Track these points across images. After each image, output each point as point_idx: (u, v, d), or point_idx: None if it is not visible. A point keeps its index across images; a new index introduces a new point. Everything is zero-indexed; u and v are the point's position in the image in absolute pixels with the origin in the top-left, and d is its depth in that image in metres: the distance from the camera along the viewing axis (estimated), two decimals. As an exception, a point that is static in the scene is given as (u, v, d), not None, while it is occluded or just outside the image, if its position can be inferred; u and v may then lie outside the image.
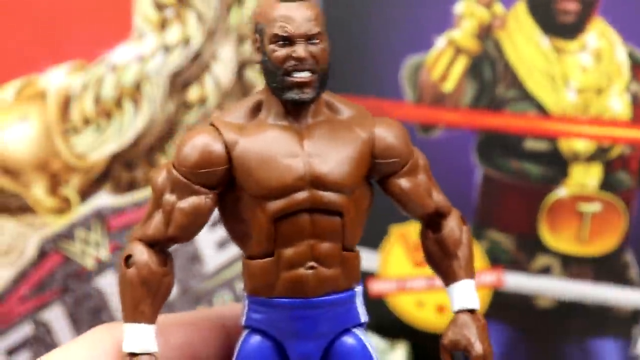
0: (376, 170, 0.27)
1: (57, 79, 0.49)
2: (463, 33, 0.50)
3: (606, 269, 0.52)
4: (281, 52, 0.25)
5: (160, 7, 0.49)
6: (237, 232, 0.27)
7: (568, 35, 0.49)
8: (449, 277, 0.28)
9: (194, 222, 0.26)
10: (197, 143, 0.25)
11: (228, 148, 0.25)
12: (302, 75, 0.25)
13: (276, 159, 0.25)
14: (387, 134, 0.27)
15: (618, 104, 0.49)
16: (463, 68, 0.51)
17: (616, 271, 0.52)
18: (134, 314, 0.25)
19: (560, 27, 0.49)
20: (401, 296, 0.55)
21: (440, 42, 0.50)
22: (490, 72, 0.51)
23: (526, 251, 0.53)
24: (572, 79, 0.49)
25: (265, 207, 0.25)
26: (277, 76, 0.25)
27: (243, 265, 0.27)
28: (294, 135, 0.26)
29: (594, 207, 0.50)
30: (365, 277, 0.55)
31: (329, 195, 0.25)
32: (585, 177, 0.50)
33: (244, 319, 0.26)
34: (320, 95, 0.26)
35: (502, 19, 0.49)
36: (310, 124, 0.26)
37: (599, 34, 0.48)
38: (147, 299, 0.25)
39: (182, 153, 0.25)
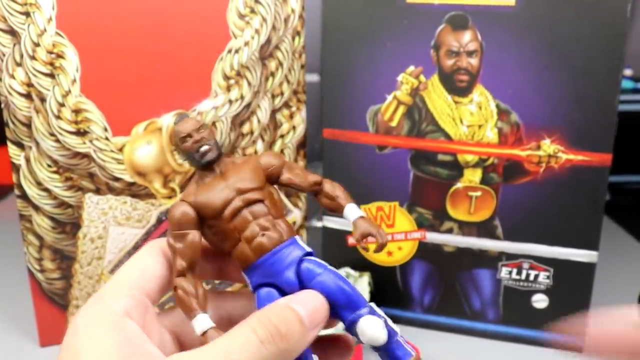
0: (270, 177, 0.29)
1: (168, 119, 0.51)
2: (402, 92, 0.53)
3: (483, 229, 0.54)
4: (188, 143, 0.28)
5: (227, 78, 0.51)
6: (218, 242, 0.28)
7: (462, 94, 0.52)
8: (340, 207, 0.29)
9: (194, 252, 0.27)
10: (178, 211, 0.27)
11: (192, 206, 0.27)
12: (204, 149, 0.28)
13: (215, 193, 0.27)
14: (266, 157, 0.29)
15: (491, 134, 0.52)
16: (402, 113, 0.53)
17: (489, 230, 0.54)
18: (193, 313, 0.26)
19: (458, 89, 0.52)
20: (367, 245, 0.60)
21: (389, 97, 0.53)
22: (417, 116, 0.53)
23: (438, 219, 0.55)
24: (464, 119, 0.52)
25: (223, 218, 0.27)
26: (194, 157, 0.28)
27: (232, 258, 0.28)
28: (219, 179, 0.28)
29: (477, 193, 0.53)
30: (346, 234, 0.57)
31: (250, 195, 0.28)
32: (472, 176, 0.53)
33: (251, 286, 0.28)
34: (221, 154, 0.28)
35: (425, 84, 0.52)
36: (223, 170, 0.28)
37: (480, 94, 0.51)
38: (195, 304, 0.26)
39: (173, 219, 0.27)
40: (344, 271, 0.56)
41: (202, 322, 0.26)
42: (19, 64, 0.48)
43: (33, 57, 0.48)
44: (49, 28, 0.48)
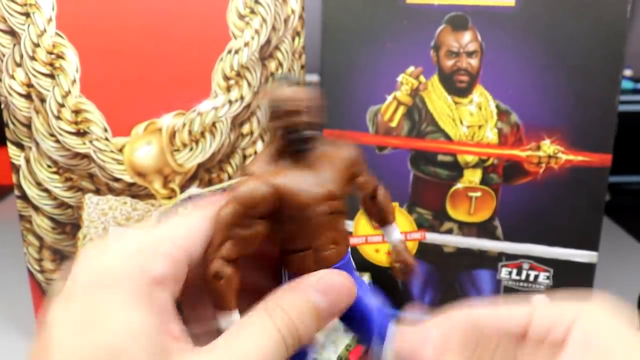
0: (351, 177, 0.26)
1: (167, 120, 0.50)
2: (402, 93, 0.53)
3: (483, 229, 0.54)
4: (293, 119, 0.24)
5: (227, 78, 0.51)
6: (276, 240, 0.25)
7: (462, 94, 0.51)
8: (385, 222, 0.28)
9: (252, 243, 0.24)
10: (257, 191, 0.23)
11: (275, 190, 0.23)
12: (309, 134, 0.24)
13: (305, 186, 0.24)
14: (354, 154, 0.26)
15: (491, 134, 0.52)
16: (402, 113, 0.53)
17: (489, 231, 0.54)
18: (229, 309, 0.23)
19: (457, 90, 0.51)
20: (366, 246, 0.57)
21: (389, 98, 0.53)
22: (417, 116, 0.53)
23: (438, 220, 0.55)
24: (464, 120, 0.52)
25: (304, 217, 0.24)
26: (291, 138, 0.24)
27: (283, 258, 0.25)
28: (306, 168, 0.24)
29: (477, 194, 0.53)
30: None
31: (337, 203, 0.25)
32: (472, 177, 0.53)
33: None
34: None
35: (425, 84, 0.52)
36: (312, 160, 0.25)
37: (480, 94, 0.51)
38: (233, 297, 0.23)
39: (247, 199, 0.23)
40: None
41: (234, 319, 0.24)
42: (18, 65, 0.48)
43: (33, 58, 0.48)
44: (49, 29, 0.48)
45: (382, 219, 0.28)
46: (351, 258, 0.26)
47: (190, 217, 0.24)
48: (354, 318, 0.25)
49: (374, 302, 0.26)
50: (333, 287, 0.24)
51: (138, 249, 0.22)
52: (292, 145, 0.24)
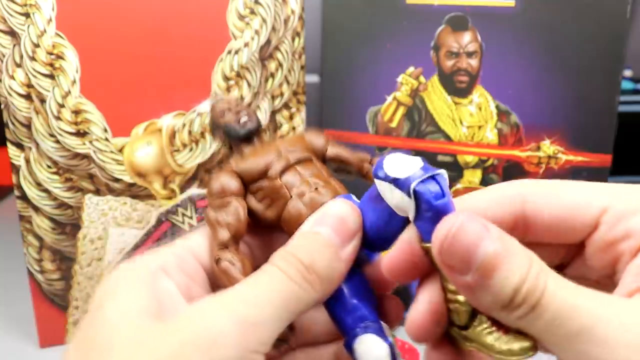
0: (315, 152, 0.27)
1: (168, 120, 0.51)
2: (402, 93, 0.53)
3: None
4: (228, 115, 0.27)
5: (227, 78, 0.51)
6: (264, 209, 0.26)
7: (462, 95, 0.52)
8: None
9: (240, 220, 0.25)
10: (218, 180, 0.26)
11: (235, 173, 0.26)
12: (245, 118, 0.27)
13: (260, 157, 0.26)
14: (310, 134, 0.28)
15: (491, 135, 0.52)
16: (402, 114, 0.53)
17: None
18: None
19: (457, 90, 0.52)
20: None
21: (389, 98, 0.53)
22: (417, 116, 0.53)
23: None
24: (464, 120, 0.52)
25: (270, 176, 0.25)
26: (234, 129, 0.27)
27: (282, 224, 0.26)
28: (262, 148, 0.27)
29: None
30: None
31: (298, 155, 0.26)
32: (472, 177, 0.53)
33: None
34: (261, 127, 0.28)
35: (425, 85, 0.52)
36: (264, 143, 0.27)
37: (480, 95, 0.51)
38: (240, 276, 0.24)
39: (213, 189, 0.26)
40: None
41: None
42: (18, 65, 0.48)
43: (33, 58, 0.48)
44: (49, 29, 0.48)
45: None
46: (354, 198, 0.25)
47: (194, 234, 0.26)
48: (333, 307, 0.24)
49: (356, 303, 0.24)
50: (330, 213, 0.23)
51: (147, 256, 0.24)
52: (237, 133, 0.27)
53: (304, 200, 0.25)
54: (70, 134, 0.50)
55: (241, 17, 0.51)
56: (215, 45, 0.51)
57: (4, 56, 0.48)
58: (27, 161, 0.50)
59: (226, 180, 0.26)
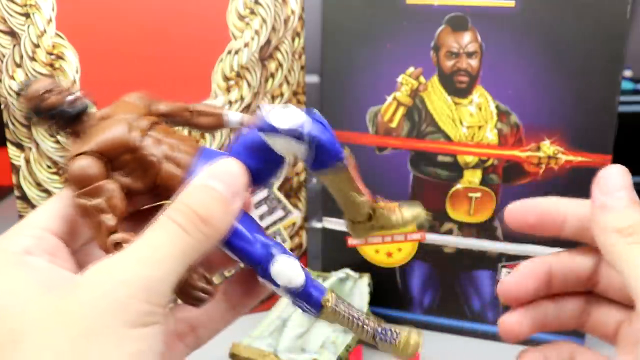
0: None
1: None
2: (402, 93, 0.53)
3: (483, 230, 0.54)
4: (52, 98, 0.25)
5: (227, 79, 0.51)
6: (134, 182, 0.25)
7: (462, 95, 0.52)
8: (219, 117, 0.29)
9: (119, 201, 0.24)
10: (79, 166, 0.24)
11: (93, 153, 0.25)
12: (72, 97, 0.26)
13: (110, 130, 0.25)
14: (129, 96, 0.28)
15: (491, 135, 0.52)
16: (402, 114, 0.53)
17: (489, 231, 0.54)
18: None
19: (457, 90, 0.52)
20: (366, 247, 0.57)
21: (389, 98, 0.53)
22: (417, 117, 0.53)
23: (438, 220, 0.55)
24: (464, 120, 0.52)
25: (133, 147, 0.25)
26: (64, 111, 0.25)
27: (156, 191, 0.25)
28: (99, 123, 0.26)
29: (477, 194, 0.53)
30: (345, 236, 0.56)
31: (144, 121, 0.26)
32: (472, 177, 0.53)
33: None
34: (88, 105, 0.27)
35: (425, 85, 0.52)
36: (97, 118, 0.26)
37: (480, 95, 0.51)
38: None
39: (77, 176, 0.24)
40: (344, 272, 0.56)
41: None
42: (18, 65, 0.48)
43: (33, 59, 0.48)
44: (49, 29, 0.48)
45: (214, 121, 0.28)
46: (209, 148, 0.26)
47: (49, 202, 0.26)
48: (234, 244, 0.25)
49: (254, 235, 0.25)
50: (223, 170, 0.24)
51: (2, 238, 0.24)
52: (68, 115, 0.25)
53: (175, 162, 0.25)
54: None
55: (241, 17, 0.51)
56: (215, 45, 0.51)
57: (4, 56, 0.48)
58: (27, 161, 0.50)
59: (88, 164, 0.24)
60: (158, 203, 0.25)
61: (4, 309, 0.22)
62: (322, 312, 0.25)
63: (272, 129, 0.24)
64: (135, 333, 0.21)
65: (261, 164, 0.25)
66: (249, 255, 0.25)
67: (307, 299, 0.25)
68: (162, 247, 0.23)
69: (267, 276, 0.25)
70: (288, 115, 0.24)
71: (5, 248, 0.24)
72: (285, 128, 0.24)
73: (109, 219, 0.24)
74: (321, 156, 0.24)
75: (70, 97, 0.25)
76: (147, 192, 0.26)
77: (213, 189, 0.24)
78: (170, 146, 0.25)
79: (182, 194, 0.24)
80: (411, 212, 0.26)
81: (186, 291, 0.25)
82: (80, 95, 0.26)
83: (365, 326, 0.26)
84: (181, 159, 0.25)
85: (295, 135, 0.24)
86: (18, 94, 0.26)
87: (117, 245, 0.24)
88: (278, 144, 0.24)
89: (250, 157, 0.25)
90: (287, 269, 0.24)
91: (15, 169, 0.50)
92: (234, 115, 0.28)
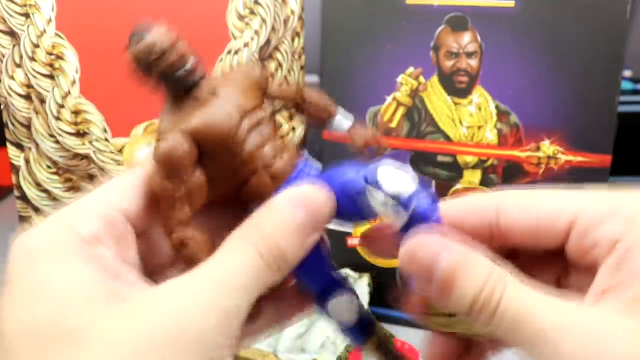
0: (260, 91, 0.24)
1: None
2: (402, 94, 0.52)
3: None
4: (169, 60, 0.22)
5: None
6: (219, 183, 0.23)
7: (462, 95, 0.51)
8: (329, 116, 0.26)
9: (199, 195, 0.22)
10: (170, 147, 0.21)
11: (189, 136, 0.22)
12: (191, 65, 0.22)
13: (216, 112, 0.22)
14: (251, 69, 0.24)
15: (491, 135, 0.52)
16: (402, 114, 0.53)
17: None
18: None
19: (457, 91, 0.51)
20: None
21: (389, 99, 0.53)
22: (417, 117, 0.53)
23: None
24: (464, 121, 0.52)
25: (235, 143, 0.22)
26: (178, 79, 0.22)
27: (241, 193, 0.23)
28: (207, 99, 0.22)
29: None
30: (346, 236, 0.56)
31: (256, 115, 0.23)
32: (472, 178, 0.53)
33: None
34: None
35: (424, 85, 0.52)
36: (209, 88, 0.23)
37: (480, 95, 0.51)
38: (208, 254, 0.21)
39: (166, 158, 0.21)
40: (344, 272, 0.56)
41: None
42: (18, 66, 0.48)
43: (33, 59, 0.48)
44: (49, 29, 0.48)
45: (322, 115, 0.26)
46: (309, 162, 0.24)
47: (121, 178, 0.23)
48: (301, 275, 0.24)
49: (321, 270, 0.25)
50: (305, 195, 0.22)
51: (66, 216, 0.21)
52: (179, 86, 0.22)
53: (271, 172, 0.23)
54: (70, 134, 0.50)
55: (241, 18, 0.51)
56: (215, 45, 0.51)
57: (3, 57, 0.48)
58: (27, 162, 0.50)
59: (181, 146, 0.21)
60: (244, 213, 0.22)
61: (69, 302, 0.19)
62: (365, 347, 0.26)
63: (377, 186, 0.22)
64: None
65: (351, 210, 0.23)
66: (309, 287, 0.25)
67: (353, 337, 0.26)
68: (242, 273, 0.21)
69: (323, 310, 0.25)
70: (399, 180, 0.22)
71: (76, 232, 0.21)
72: (391, 192, 0.22)
73: (184, 211, 0.22)
74: (416, 226, 0.22)
75: (190, 64, 0.22)
76: (230, 192, 0.23)
77: (295, 217, 0.22)
78: (274, 151, 0.23)
79: (263, 215, 0.22)
80: None
81: None
82: (200, 63, 0.22)
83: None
84: (278, 171, 0.23)
85: (399, 202, 0.22)
86: (131, 38, 0.22)
87: (183, 244, 0.22)
88: (376, 201, 0.22)
89: (346, 197, 0.23)
90: (344, 310, 0.24)
91: (15, 169, 0.50)
92: (344, 119, 0.25)
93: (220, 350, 0.20)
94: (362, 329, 0.26)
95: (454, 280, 0.21)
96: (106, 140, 0.50)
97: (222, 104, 0.22)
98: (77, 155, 0.51)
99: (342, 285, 0.25)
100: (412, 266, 0.22)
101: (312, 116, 0.26)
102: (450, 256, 0.21)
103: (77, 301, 0.19)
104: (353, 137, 0.25)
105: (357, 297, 0.25)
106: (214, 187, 0.23)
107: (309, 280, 0.24)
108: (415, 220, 0.22)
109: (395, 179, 0.22)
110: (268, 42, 0.52)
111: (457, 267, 0.21)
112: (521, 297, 0.20)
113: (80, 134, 0.50)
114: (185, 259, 0.22)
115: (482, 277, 0.21)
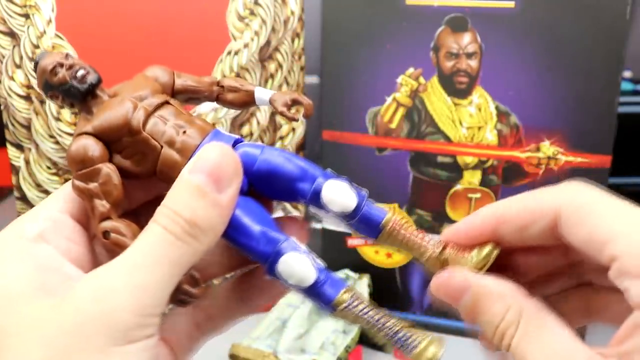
0: (164, 87, 0.25)
1: None
2: (401, 94, 0.53)
3: None
4: (61, 73, 0.24)
5: None
6: (134, 165, 0.24)
7: (462, 96, 0.52)
8: (250, 93, 0.26)
9: (115, 186, 0.23)
10: (78, 146, 0.23)
11: (93, 135, 0.24)
12: (82, 72, 0.24)
13: (114, 110, 0.24)
14: (152, 69, 0.26)
15: (490, 136, 0.52)
16: (402, 114, 0.53)
17: None
18: None
19: (457, 91, 0.52)
20: (365, 247, 0.57)
21: (389, 99, 0.53)
22: (417, 117, 0.53)
23: (438, 221, 0.55)
24: (464, 121, 0.52)
25: (133, 130, 0.23)
26: (73, 86, 0.24)
27: (157, 175, 0.24)
28: (110, 101, 0.24)
29: (476, 195, 0.53)
30: (345, 236, 0.57)
31: (152, 100, 0.24)
32: (472, 178, 0.53)
33: None
34: (101, 79, 0.25)
35: (424, 86, 0.52)
36: (110, 94, 0.25)
37: (479, 95, 0.51)
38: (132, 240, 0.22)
39: (75, 157, 0.23)
40: (343, 273, 0.56)
41: None
42: (18, 66, 0.48)
43: (32, 59, 0.48)
44: (49, 30, 0.48)
45: (245, 95, 0.26)
46: (226, 132, 0.25)
47: (66, 185, 0.25)
48: (238, 239, 0.23)
49: (260, 229, 0.23)
50: (204, 159, 0.22)
51: (20, 219, 0.23)
52: (77, 93, 0.24)
53: (176, 147, 0.23)
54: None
55: (241, 18, 0.51)
56: (215, 46, 0.51)
57: (3, 57, 0.48)
58: (27, 162, 0.50)
59: (87, 146, 0.23)
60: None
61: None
62: (335, 313, 0.24)
63: (321, 206, 0.24)
64: (121, 351, 0.20)
65: (279, 188, 0.24)
66: (253, 252, 0.23)
67: (320, 298, 0.23)
68: (152, 252, 0.21)
69: (274, 275, 0.23)
70: (341, 196, 0.24)
71: (20, 234, 0.22)
72: (336, 211, 0.24)
73: (102, 205, 0.23)
74: (365, 230, 0.24)
75: (81, 72, 0.24)
76: (148, 177, 0.24)
77: (194, 184, 0.22)
78: (177, 128, 0.23)
79: (169, 192, 0.22)
80: (481, 254, 0.24)
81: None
82: (91, 69, 0.24)
83: (382, 330, 0.24)
84: (184, 144, 0.23)
85: (344, 216, 0.24)
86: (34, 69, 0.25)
87: (106, 234, 0.23)
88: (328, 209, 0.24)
89: (273, 174, 0.24)
90: (296, 268, 0.23)
91: (15, 170, 0.50)
92: (263, 93, 0.26)
93: (135, 330, 0.20)
94: (331, 287, 0.23)
95: (477, 312, 0.24)
96: (106, 140, 0.51)
97: (119, 99, 0.24)
98: (76, 156, 0.51)
99: (290, 243, 0.23)
100: (443, 296, 0.25)
101: (235, 102, 0.26)
102: (467, 297, 0.24)
103: (4, 300, 0.21)
104: (273, 103, 0.26)
105: (310, 252, 0.24)
106: (139, 179, 0.24)
107: (247, 244, 0.23)
108: (363, 224, 0.25)
109: (337, 195, 0.24)
110: (268, 42, 0.52)
111: (476, 306, 0.24)
112: (528, 350, 0.22)
113: (80, 135, 0.50)
114: (108, 249, 0.23)
115: (496, 319, 0.23)
